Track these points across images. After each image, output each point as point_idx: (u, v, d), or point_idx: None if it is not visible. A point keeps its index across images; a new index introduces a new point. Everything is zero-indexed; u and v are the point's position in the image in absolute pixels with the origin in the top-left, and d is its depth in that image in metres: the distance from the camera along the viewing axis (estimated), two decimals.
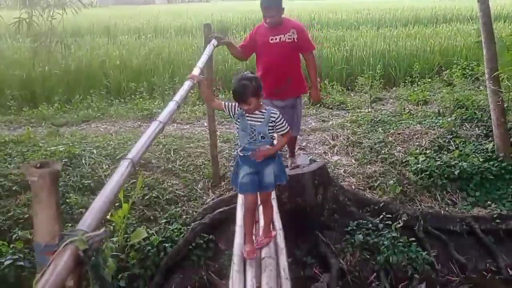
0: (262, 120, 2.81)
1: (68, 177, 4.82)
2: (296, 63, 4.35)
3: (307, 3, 29.00)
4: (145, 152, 1.81)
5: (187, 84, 3.03)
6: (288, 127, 2.91)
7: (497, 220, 4.59)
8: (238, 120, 2.86)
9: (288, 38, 4.19)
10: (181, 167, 5.21)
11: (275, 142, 3.15)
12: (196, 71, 3.34)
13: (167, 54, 9.11)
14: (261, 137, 2.82)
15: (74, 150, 5.21)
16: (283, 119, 2.88)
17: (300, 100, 4.54)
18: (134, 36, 12.80)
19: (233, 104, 2.86)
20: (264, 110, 2.84)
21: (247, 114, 2.82)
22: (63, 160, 5.01)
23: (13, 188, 4.66)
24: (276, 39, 4.20)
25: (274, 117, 2.83)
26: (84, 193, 4.69)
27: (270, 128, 2.84)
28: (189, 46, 10.22)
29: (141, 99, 7.54)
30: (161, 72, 8.42)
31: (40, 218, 1.11)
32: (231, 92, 3.02)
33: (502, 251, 4.48)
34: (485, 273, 4.39)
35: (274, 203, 3.40)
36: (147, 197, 4.65)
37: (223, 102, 2.98)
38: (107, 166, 5.07)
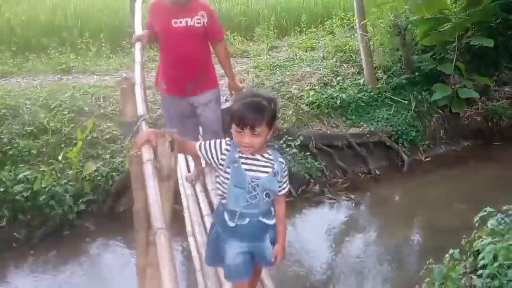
0: (268, 170, 1.89)
1: (10, 125, 5.32)
2: (207, 53, 3.63)
3: None
4: None
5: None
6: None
7: (367, 135, 6.14)
8: (228, 169, 1.86)
9: (197, 23, 3.41)
10: (113, 112, 5.94)
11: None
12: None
13: (72, 10, 9.27)
14: (265, 194, 1.90)
15: (9, 101, 5.64)
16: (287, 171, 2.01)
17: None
18: None
19: (216, 142, 1.89)
20: (268, 155, 1.92)
21: (243, 159, 1.86)
22: (2, 111, 5.46)
23: None
24: (181, 22, 3.39)
25: (283, 167, 1.95)
26: (29, 138, 5.26)
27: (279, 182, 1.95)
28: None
29: (57, 54, 7.83)
30: (70, 27, 8.67)
31: (128, 107, 2.06)
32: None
33: (371, 157, 6.09)
34: (360, 174, 5.98)
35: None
36: (88, 138, 5.37)
37: (196, 143, 1.95)
38: (44, 115, 5.60)
